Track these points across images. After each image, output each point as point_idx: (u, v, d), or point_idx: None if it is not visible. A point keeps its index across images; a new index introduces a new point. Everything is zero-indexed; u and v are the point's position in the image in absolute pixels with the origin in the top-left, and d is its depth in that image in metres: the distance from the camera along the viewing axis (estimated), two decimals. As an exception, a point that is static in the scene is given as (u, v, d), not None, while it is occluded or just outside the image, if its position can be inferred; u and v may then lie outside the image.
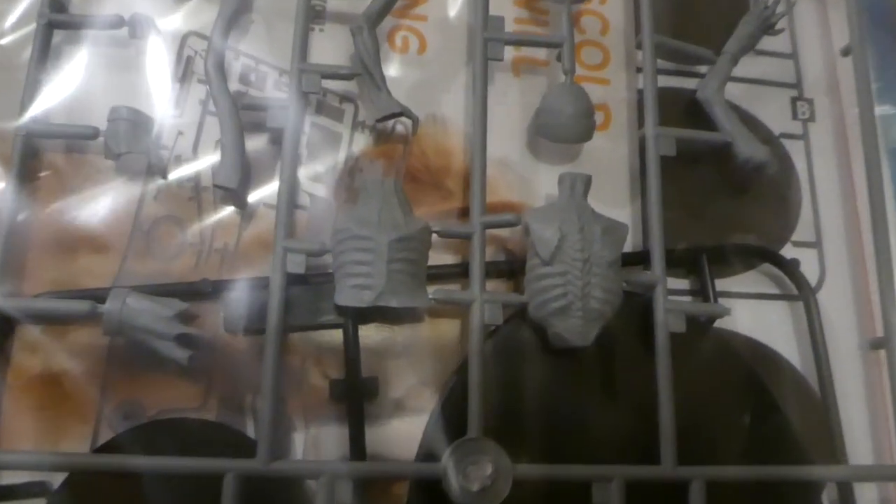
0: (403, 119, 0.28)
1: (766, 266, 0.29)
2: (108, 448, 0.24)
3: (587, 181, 0.26)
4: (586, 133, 0.28)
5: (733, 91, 0.31)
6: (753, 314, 0.28)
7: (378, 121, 0.27)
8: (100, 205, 0.26)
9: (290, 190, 0.26)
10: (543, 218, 0.25)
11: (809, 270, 0.29)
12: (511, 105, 0.30)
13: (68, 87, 0.27)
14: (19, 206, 0.25)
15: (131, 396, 0.25)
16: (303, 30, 0.27)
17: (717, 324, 0.28)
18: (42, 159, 0.27)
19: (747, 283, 0.29)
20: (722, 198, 0.30)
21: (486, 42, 0.28)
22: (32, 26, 0.27)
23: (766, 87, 0.32)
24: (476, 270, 0.25)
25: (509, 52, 0.30)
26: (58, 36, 0.27)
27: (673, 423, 0.25)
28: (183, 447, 0.24)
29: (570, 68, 0.28)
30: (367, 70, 0.27)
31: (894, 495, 0.27)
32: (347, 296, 0.24)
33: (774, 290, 0.29)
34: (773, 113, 0.31)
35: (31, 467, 0.23)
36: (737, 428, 0.26)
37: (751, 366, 0.27)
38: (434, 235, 0.26)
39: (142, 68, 0.28)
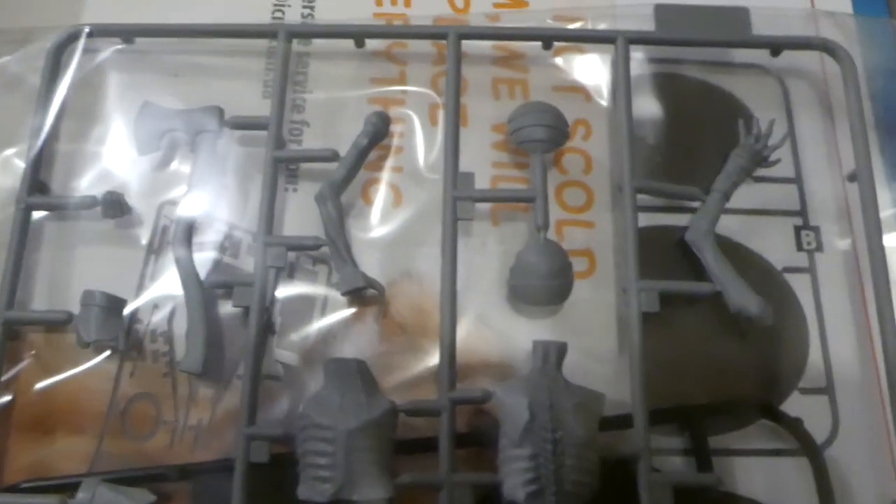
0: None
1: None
2: None
3: (561, 350, 0.25)
4: (561, 294, 0.26)
5: (729, 224, 0.29)
6: (756, 471, 0.26)
7: (343, 294, 0.27)
8: (76, 385, 0.27)
9: (255, 374, 0.25)
10: (512, 393, 0.24)
11: (821, 420, 0.27)
12: (490, 256, 0.29)
13: (48, 266, 0.28)
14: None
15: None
16: (269, 199, 0.27)
17: (718, 485, 0.26)
18: (24, 341, 0.27)
19: (749, 439, 0.27)
20: (720, 346, 0.28)
21: (455, 201, 0.27)
22: (11, 210, 0.28)
23: (766, 216, 0.30)
24: (445, 451, 0.24)
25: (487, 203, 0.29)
26: (38, 216, 0.28)
27: None
28: None
29: (542, 224, 0.27)
30: (332, 241, 0.26)
31: None
32: (307, 489, 0.24)
33: (780, 445, 0.27)
34: (776, 244, 0.29)
35: None
36: None
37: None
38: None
39: (121, 240, 0.28)
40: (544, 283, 0.26)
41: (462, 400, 0.25)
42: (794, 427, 0.26)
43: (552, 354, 0.25)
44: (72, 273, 0.28)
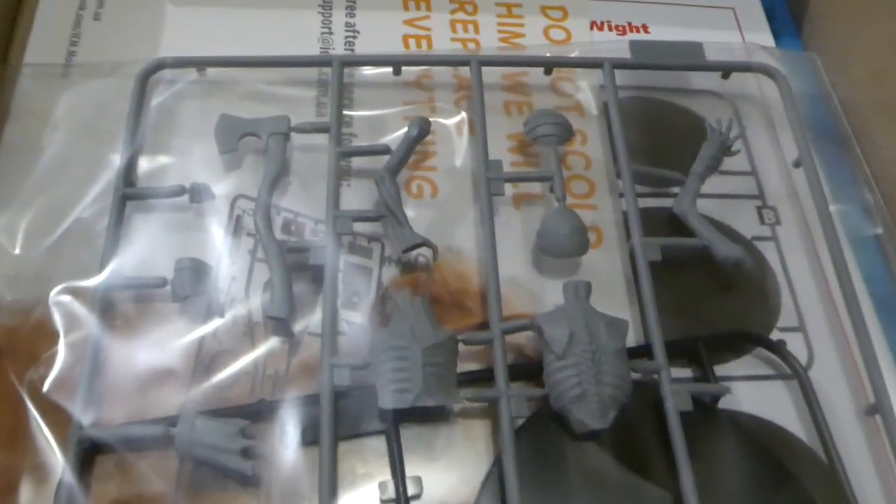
0: (424, 251, 0.32)
1: (759, 351, 0.32)
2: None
3: (588, 286, 0.30)
4: (582, 247, 0.32)
5: (705, 206, 0.35)
6: (753, 394, 0.31)
7: (404, 251, 0.32)
8: (165, 345, 0.30)
9: (333, 315, 0.29)
10: (553, 320, 0.29)
11: (798, 352, 0.32)
12: (515, 232, 0.34)
13: (139, 247, 0.32)
14: (99, 349, 0.29)
15: (199, 515, 0.28)
16: (335, 183, 0.32)
17: (723, 406, 0.31)
18: (115, 310, 0.31)
19: (743, 367, 0.32)
20: (710, 295, 0.34)
21: (489, 181, 0.33)
22: (109, 199, 0.32)
23: (733, 200, 0.36)
24: (500, 370, 0.29)
25: (509, 190, 0.35)
26: (129, 205, 0.33)
27: (695, 496, 0.27)
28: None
29: (561, 196, 0.33)
30: (391, 211, 0.32)
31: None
32: (390, 399, 0.27)
33: (770, 371, 0.32)
34: (744, 221, 0.36)
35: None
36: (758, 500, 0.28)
37: (761, 441, 0.29)
38: (460, 344, 0.29)
39: (200, 227, 0.33)
40: (568, 238, 0.32)
41: (511, 329, 0.30)
42: (781, 350, 0.32)
43: (581, 289, 0.30)
44: (158, 254, 0.32)
